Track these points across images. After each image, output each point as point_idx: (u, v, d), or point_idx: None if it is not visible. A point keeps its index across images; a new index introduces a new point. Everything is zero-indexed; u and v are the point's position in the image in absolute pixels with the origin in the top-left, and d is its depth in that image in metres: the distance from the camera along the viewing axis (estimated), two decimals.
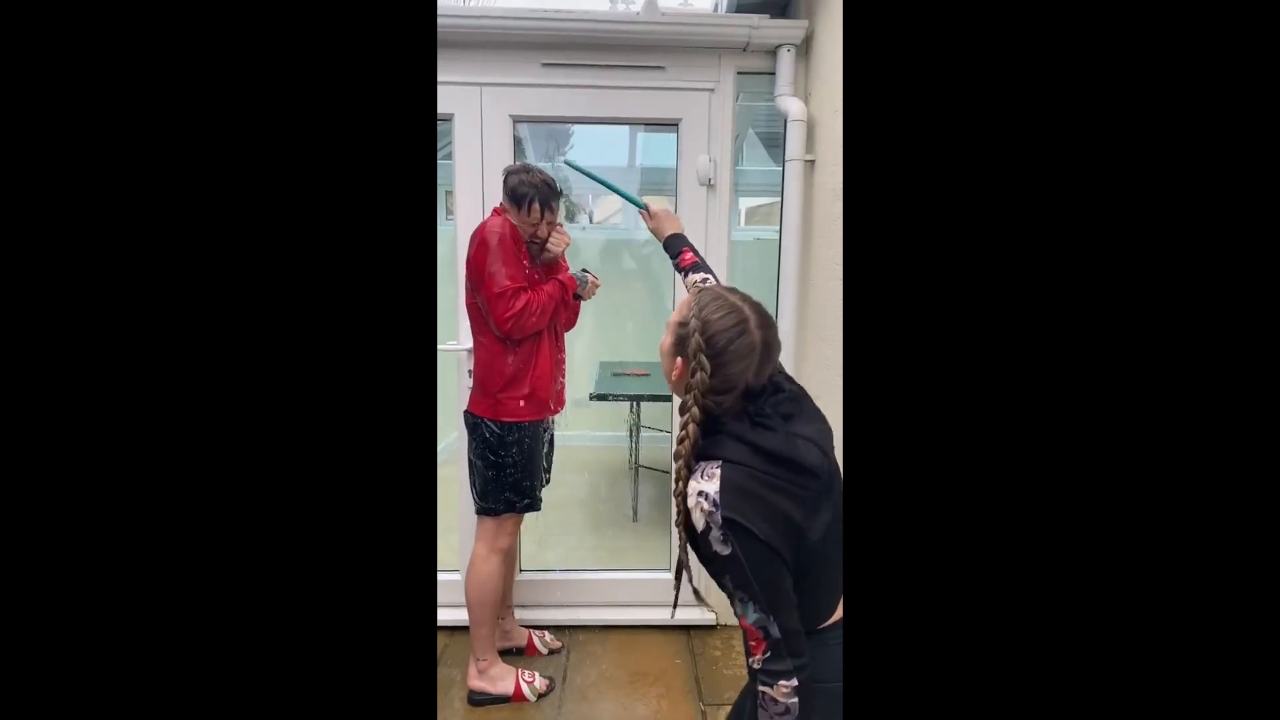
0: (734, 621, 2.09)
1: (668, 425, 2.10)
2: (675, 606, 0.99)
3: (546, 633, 1.99)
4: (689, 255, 1.28)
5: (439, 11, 1.76)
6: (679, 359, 0.84)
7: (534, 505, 1.73)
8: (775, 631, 0.79)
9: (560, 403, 1.78)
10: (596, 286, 1.79)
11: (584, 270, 1.78)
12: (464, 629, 1.83)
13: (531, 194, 1.57)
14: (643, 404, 2.79)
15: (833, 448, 0.87)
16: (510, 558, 1.83)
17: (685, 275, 1.26)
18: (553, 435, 1.84)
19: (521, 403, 1.65)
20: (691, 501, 0.80)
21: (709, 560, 0.81)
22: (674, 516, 0.88)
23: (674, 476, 0.87)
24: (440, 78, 1.82)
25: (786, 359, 1.83)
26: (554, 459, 1.88)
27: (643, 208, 1.39)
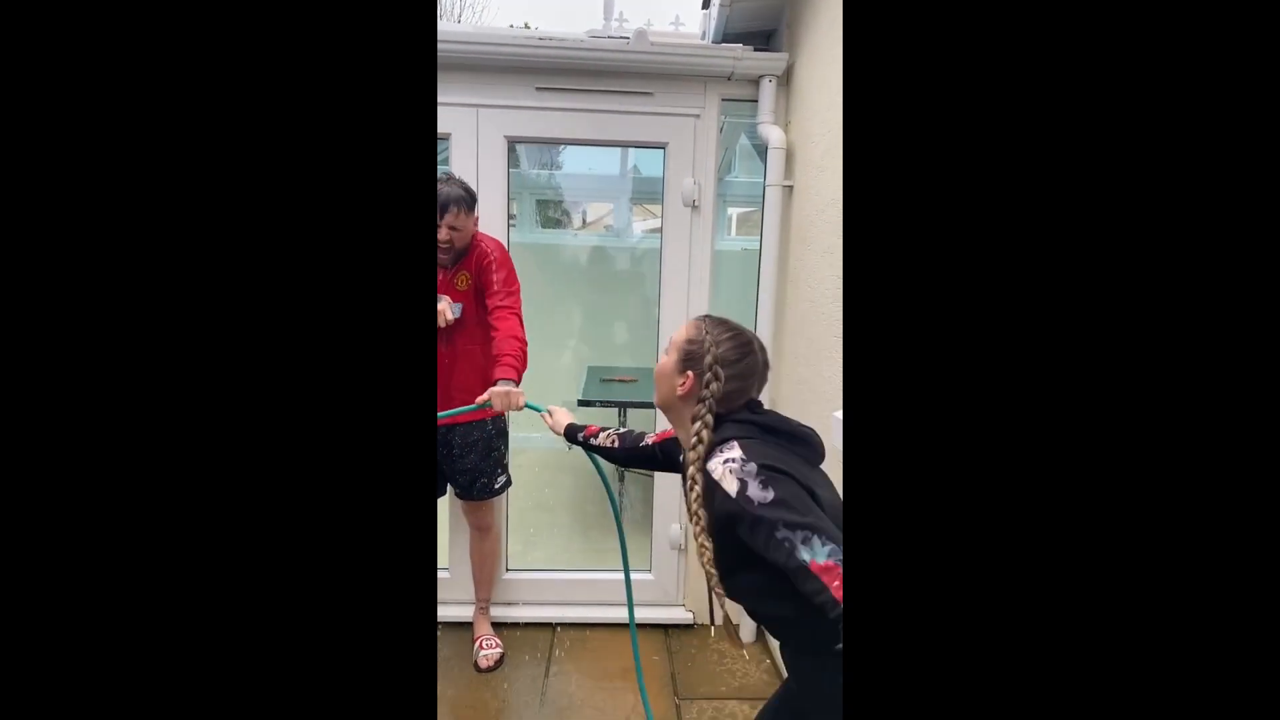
0: (708, 620, 2.19)
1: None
2: (713, 624, 1.06)
3: (495, 648, 1.99)
4: (591, 427, 1.39)
5: (439, 37, 1.85)
6: (689, 374, 0.96)
7: None
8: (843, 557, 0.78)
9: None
10: (441, 315, 1.73)
11: (441, 297, 1.76)
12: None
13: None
14: (629, 409, 2.88)
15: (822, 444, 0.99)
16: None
17: (595, 438, 1.37)
18: (445, 447, 1.90)
19: None
20: (719, 473, 0.86)
21: (756, 523, 0.82)
22: (693, 533, 0.93)
23: (688, 485, 0.93)
24: (439, 99, 1.90)
25: None
26: (488, 465, 1.93)
27: (544, 412, 1.48)
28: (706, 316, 1.02)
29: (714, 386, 0.94)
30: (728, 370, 0.94)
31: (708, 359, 0.95)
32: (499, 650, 1.99)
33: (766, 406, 1.00)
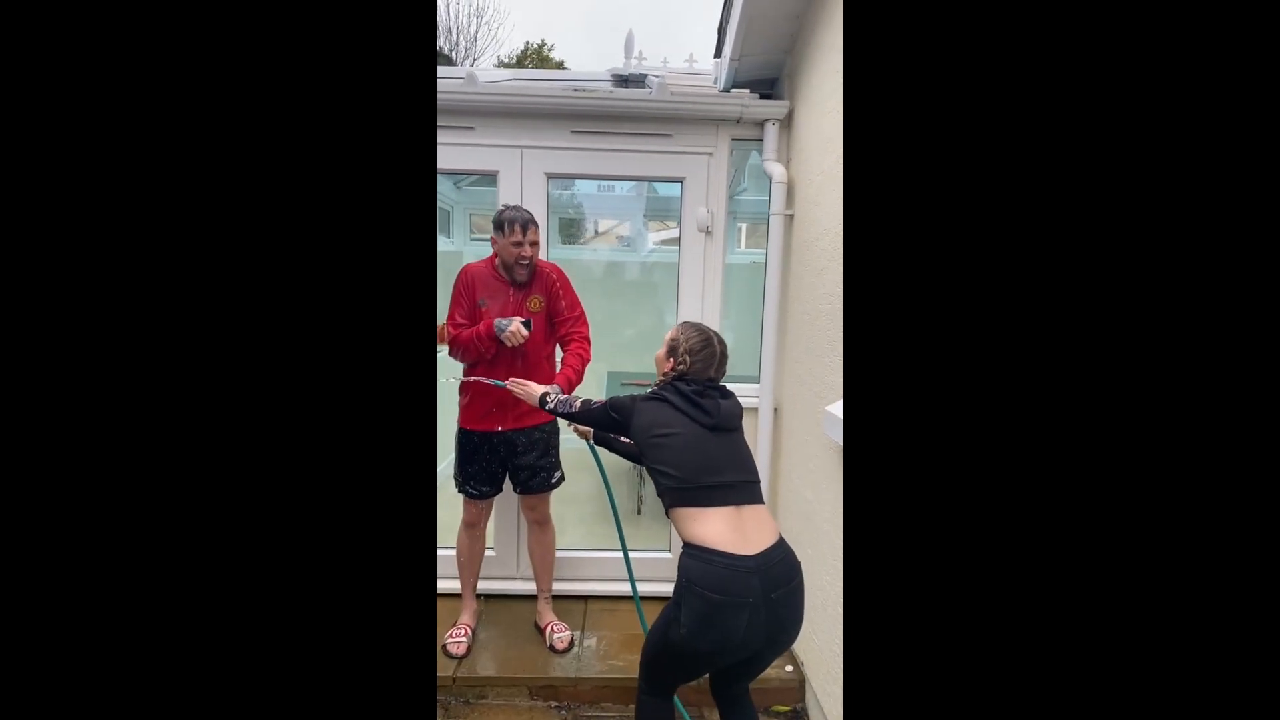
0: None
1: None
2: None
3: (565, 630, 2.23)
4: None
5: (488, 89, 2.16)
6: (670, 360, 1.52)
7: (462, 490, 2.14)
8: (588, 404, 1.59)
9: (496, 422, 2.07)
10: (518, 334, 1.89)
11: (513, 319, 1.92)
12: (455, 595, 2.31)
13: (511, 218, 1.92)
14: None
15: (738, 414, 1.49)
16: (473, 532, 2.20)
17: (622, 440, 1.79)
18: (510, 446, 2.10)
19: (461, 412, 2.10)
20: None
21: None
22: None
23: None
24: (487, 141, 2.23)
25: (768, 369, 2.23)
26: (546, 462, 2.16)
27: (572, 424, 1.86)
28: (684, 322, 1.57)
29: (680, 368, 1.49)
30: (692, 356, 1.48)
31: (681, 349, 1.49)
32: (569, 632, 2.23)
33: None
